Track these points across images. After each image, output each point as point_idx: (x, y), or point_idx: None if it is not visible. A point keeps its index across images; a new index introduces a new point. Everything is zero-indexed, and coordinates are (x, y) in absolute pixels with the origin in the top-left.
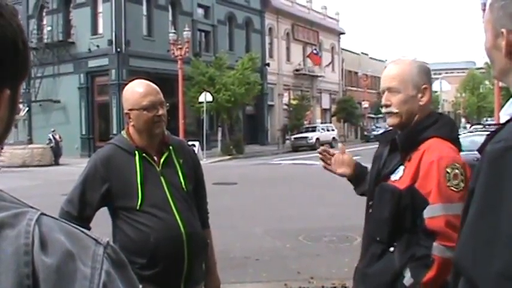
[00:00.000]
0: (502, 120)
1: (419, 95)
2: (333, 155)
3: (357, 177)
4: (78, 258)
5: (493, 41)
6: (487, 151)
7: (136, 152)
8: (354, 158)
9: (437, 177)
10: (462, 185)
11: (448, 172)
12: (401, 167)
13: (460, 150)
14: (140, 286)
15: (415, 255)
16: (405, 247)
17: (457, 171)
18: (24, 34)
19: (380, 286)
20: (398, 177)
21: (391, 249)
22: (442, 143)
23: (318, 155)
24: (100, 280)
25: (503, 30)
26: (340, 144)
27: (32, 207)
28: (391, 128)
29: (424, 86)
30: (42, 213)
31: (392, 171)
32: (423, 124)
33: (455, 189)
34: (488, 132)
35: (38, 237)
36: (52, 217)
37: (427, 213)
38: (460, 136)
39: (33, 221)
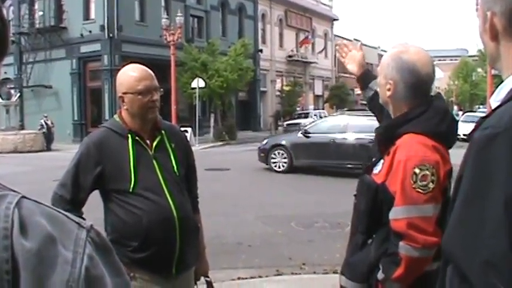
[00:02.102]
0: (492, 107)
1: (387, 87)
2: (350, 50)
3: (363, 79)
4: (60, 242)
5: (483, 26)
6: (475, 138)
7: (129, 135)
8: None
9: (402, 178)
10: (431, 186)
11: (415, 173)
12: (381, 161)
13: (447, 144)
14: (131, 274)
15: (387, 250)
16: (381, 240)
17: (426, 172)
18: (3, 11)
19: (360, 276)
20: (378, 170)
21: (369, 241)
22: (416, 140)
23: (337, 47)
24: (82, 264)
25: (488, 13)
26: (358, 43)
27: (13, 191)
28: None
29: (390, 81)
30: (23, 197)
31: (375, 164)
32: (402, 118)
33: (421, 191)
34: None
35: (17, 221)
36: (33, 200)
37: (391, 214)
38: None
39: (13, 204)
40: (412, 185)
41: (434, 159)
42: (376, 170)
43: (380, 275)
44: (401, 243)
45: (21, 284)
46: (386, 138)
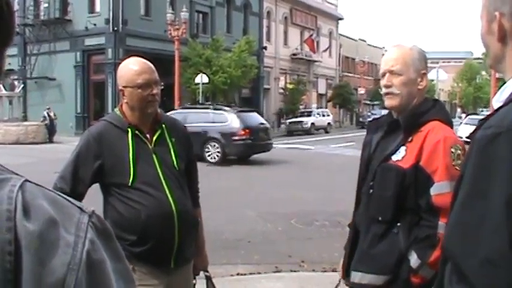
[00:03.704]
0: (495, 107)
1: (419, 79)
2: None
3: None
4: (62, 225)
5: (488, 27)
6: (477, 137)
7: (129, 129)
8: (348, 144)
9: (444, 156)
10: None
11: (452, 152)
12: (403, 148)
13: None
14: (130, 266)
15: (418, 236)
16: (408, 228)
17: (459, 151)
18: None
19: (385, 267)
20: (401, 157)
21: (395, 230)
22: (444, 126)
23: None
24: (84, 248)
25: (496, 13)
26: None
27: (16, 174)
28: (377, 117)
29: (423, 71)
30: (26, 180)
31: (393, 152)
32: (424, 107)
33: (459, 169)
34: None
35: (20, 203)
36: (36, 184)
37: (434, 190)
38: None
39: (17, 187)
40: (451, 162)
41: (462, 143)
42: (398, 157)
43: (415, 262)
44: (440, 223)
45: (24, 265)
46: (413, 124)
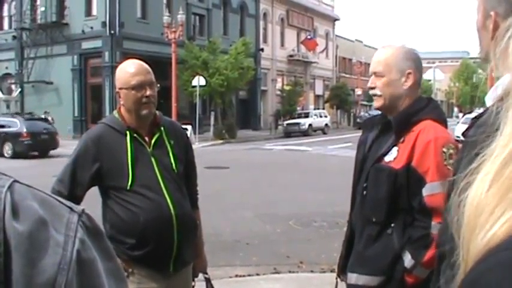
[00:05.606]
0: (487, 105)
1: (403, 79)
2: None
3: None
4: (52, 225)
5: (483, 22)
6: (470, 135)
7: (127, 132)
8: (345, 144)
9: (435, 155)
10: None
11: (444, 152)
12: (395, 148)
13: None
14: (129, 270)
15: (412, 237)
16: (402, 229)
17: (452, 151)
18: None
19: (379, 268)
20: (393, 158)
21: (389, 231)
22: (436, 125)
23: None
24: (74, 248)
25: (492, 13)
26: None
27: (4, 175)
28: (373, 115)
29: (408, 71)
30: (15, 181)
31: (386, 153)
32: (416, 107)
33: (451, 169)
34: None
35: (9, 204)
36: (25, 184)
37: (426, 190)
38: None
39: (5, 188)
40: (443, 162)
41: (455, 142)
42: (390, 157)
43: (409, 262)
44: (433, 223)
45: (14, 266)
46: (404, 125)
